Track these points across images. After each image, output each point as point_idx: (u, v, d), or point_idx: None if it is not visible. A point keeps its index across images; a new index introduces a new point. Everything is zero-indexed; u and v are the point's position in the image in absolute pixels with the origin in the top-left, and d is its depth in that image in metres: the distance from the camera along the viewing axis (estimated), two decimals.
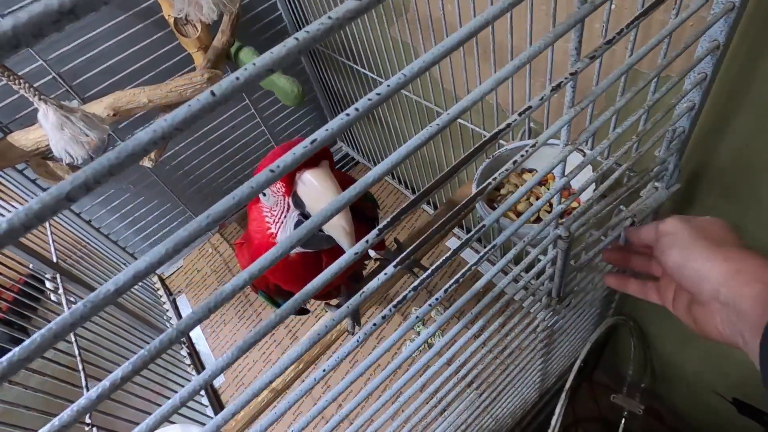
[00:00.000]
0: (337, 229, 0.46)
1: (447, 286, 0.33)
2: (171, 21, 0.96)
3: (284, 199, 0.49)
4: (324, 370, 0.28)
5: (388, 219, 0.24)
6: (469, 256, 1.25)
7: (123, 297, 1.15)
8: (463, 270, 0.34)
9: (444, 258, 0.31)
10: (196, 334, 1.31)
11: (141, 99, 0.87)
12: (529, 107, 0.27)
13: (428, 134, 0.21)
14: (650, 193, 0.50)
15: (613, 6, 0.50)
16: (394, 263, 0.27)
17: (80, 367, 0.73)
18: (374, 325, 0.28)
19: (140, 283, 1.34)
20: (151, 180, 1.27)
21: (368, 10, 0.16)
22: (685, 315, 0.38)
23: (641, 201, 0.47)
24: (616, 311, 1.00)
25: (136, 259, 1.40)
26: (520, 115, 0.26)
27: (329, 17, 0.15)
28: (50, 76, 0.99)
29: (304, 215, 0.49)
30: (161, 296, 1.40)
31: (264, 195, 0.50)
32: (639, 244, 0.42)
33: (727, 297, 0.31)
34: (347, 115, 0.18)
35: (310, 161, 0.45)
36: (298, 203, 0.48)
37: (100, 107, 0.86)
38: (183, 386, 1.02)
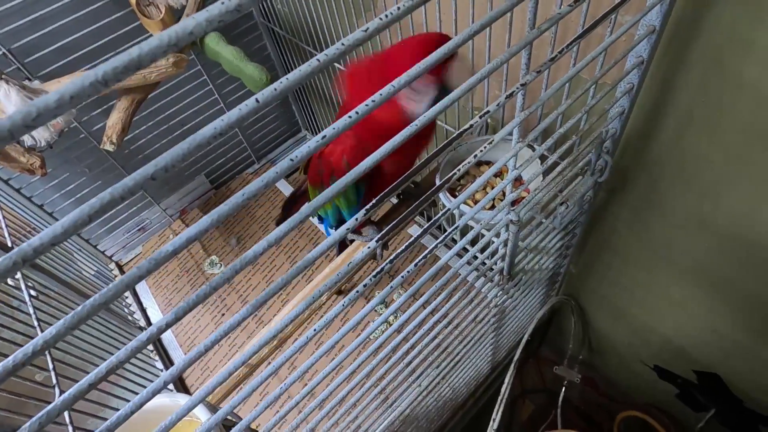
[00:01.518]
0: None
1: (408, 268, 0.38)
2: (133, 1, 0.93)
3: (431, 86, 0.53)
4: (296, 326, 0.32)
5: (371, 203, 0.28)
6: (427, 241, 1.32)
7: (83, 285, 1.12)
8: (425, 253, 0.39)
9: (408, 243, 0.36)
10: (156, 318, 1.30)
11: None
12: (488, 111, 0.32)
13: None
14: (579, 180, 0.58)
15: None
16: (376, 243, 0.32)
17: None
18: (342, 305, 0.33)
19: (96, 269, 1.30)
20: (108, 164, 1.24)
21: None
22: None
23: (571, 187, 0.55)
24: (559, 291, 1.11)
25: (93, 246, 1.36)
26: (480, 117, 0.32)
27: None
28: None
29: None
30: None
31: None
32: None
33: None
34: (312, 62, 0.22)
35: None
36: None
37: (59, 88, 0.84)
38: (149, 375, 1.02)
